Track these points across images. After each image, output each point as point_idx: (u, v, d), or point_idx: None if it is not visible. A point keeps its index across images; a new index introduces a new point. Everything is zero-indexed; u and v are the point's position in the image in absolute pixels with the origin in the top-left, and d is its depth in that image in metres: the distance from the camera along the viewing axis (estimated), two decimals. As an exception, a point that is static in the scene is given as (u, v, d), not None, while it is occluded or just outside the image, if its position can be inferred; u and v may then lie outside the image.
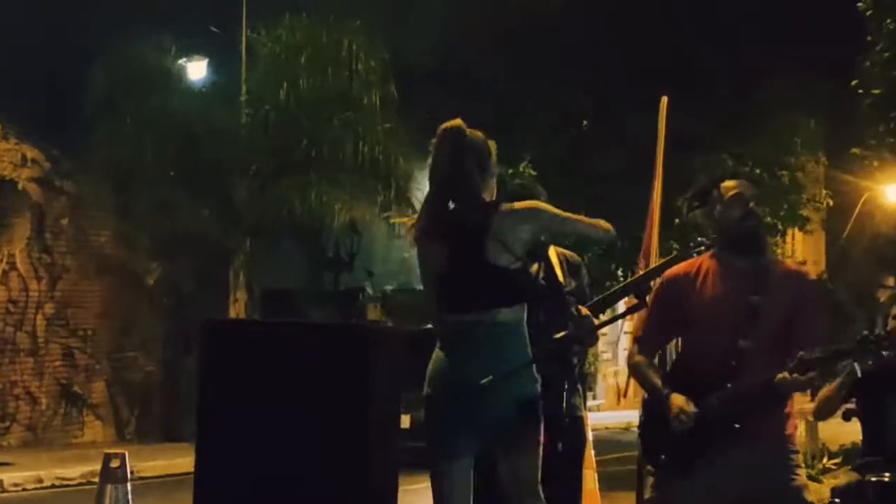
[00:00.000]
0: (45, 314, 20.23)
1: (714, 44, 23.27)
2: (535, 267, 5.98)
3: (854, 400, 8.05)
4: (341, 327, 6.30)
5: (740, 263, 5.54)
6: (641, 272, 7.74)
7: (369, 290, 26.76)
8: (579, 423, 6.59)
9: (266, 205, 20.90)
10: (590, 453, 7.41)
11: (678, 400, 5.40)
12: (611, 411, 31.00)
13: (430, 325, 5.65)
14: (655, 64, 22.14)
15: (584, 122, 24.70)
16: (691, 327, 5.58)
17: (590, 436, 7.13)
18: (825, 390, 7.76)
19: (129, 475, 9.03)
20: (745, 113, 23.78)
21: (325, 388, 5.42)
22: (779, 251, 26.80)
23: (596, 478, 8.02)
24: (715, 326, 5.46)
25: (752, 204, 5.54)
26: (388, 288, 27.04)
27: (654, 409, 5.57)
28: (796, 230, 28.40)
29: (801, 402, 6.76)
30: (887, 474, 7.57)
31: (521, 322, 5.56)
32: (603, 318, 6.84)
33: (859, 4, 18.28)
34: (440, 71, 23.33)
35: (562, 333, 5.56)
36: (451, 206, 5.61)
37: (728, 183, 5.63)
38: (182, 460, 16.05)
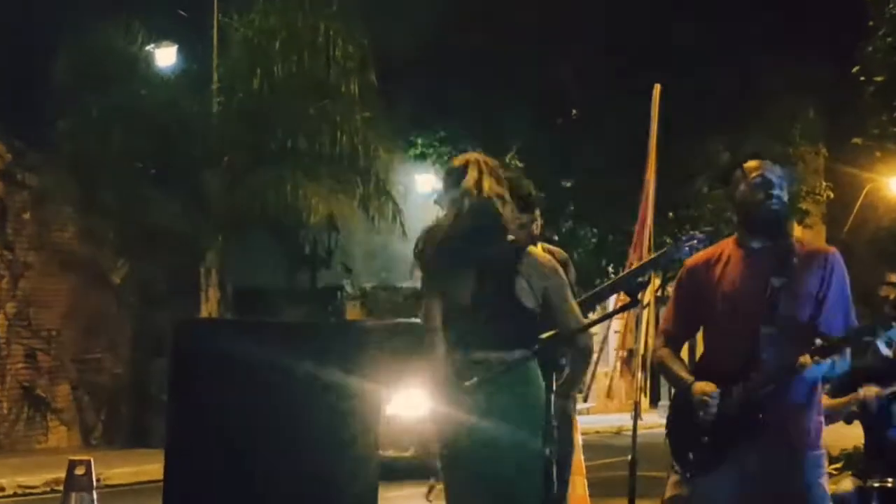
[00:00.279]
0: (7, 314, 20.17)
1: (708, 28, 23.31)
2: None
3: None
4: (318, 327, 6.30)
5: (762, 247, 5.56)
6: (633, 268, 7.75)
7: (348, 289, 26.76)
8: (568, 427, 6.59)
9: (239, 199, 20.86)
10: (579, 458, 7.42)
11: (701, 385, 5.46)
12: (601, 414, 31.01)
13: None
14: (647, 49, 22.18)
15: (574, 112, 24.73)
16: (714, 316, 5.61)
17: (579, 440, 7.13)
18: (829, 402, 7.78)
19: (94, 483, 9.02)
20: (741, 101, 23.82)
21: (302, 390, 5.41)
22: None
23: (586, 484, 8.03)
24: (736, 314, 5.50)
25: (771, 188, 5.55)
26: (368, 286, 27.04)
27: (680, 406, 5.63)
28: (795, 224, 28.46)
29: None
30: (890, 479, 7.58)
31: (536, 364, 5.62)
32: (593, 316, 6.84)
33: (862, -12, 18.33)
34: (422, 57, 23.33)
35: (549, 333, 5.56)
36: (477, 237, 5.65)
37: (751, 163, 5.64)
38: (151, 467, 16.01)
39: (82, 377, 21.21)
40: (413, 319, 18.03)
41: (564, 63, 23.37)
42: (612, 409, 33.38)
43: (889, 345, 5.27)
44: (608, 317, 5.59)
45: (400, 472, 14.22)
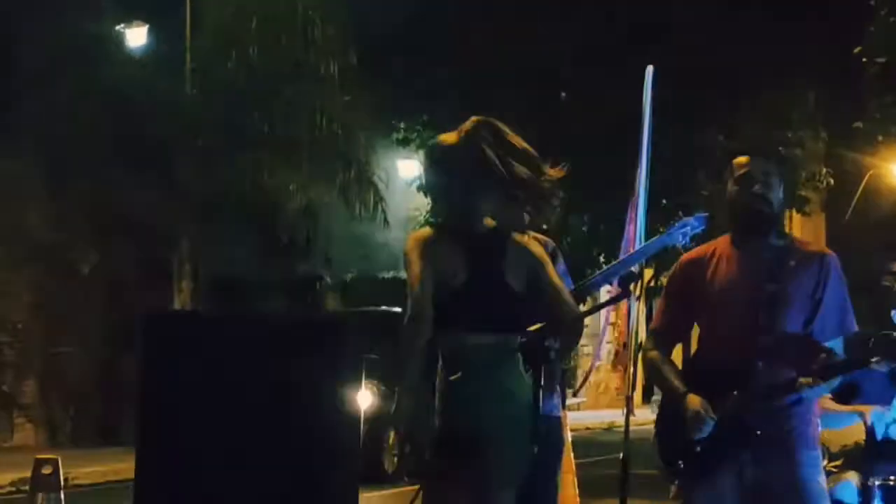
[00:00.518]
0: (-30, 306, 20.17)
1: (705, 7, 23.32)
2: None
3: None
4: (295, 318, 6.29)
5: (756, 246, 5.55)
6: (625, 256, 7.74)
7: (327, 279, 26.73)
8: (557, 424, 6.59)
9: (214, 185, 20.84)
10: (569, 456, 7.40)
11: (695, 403, 5.45)
12: (592, 410, 31.12)
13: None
14: (639, 28, 22.18)
15: (563, 94, 24.72)
16: (706, 317, 5.61)
17: (569, 437, 7.13)
18: (832, 406, 7.78)
19: (62, 482, 9.01)
20: (737, 83, 23.82)
21: (277, 385, 5.40)
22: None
23: (576, 483, 8.02)
24: (730, 317, 5.49)
25: (757, 186, 5.54)
26: (348, 276, 27.02)
27: (670, 413, 5.62)
28: (794, 212, 28.48)
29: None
30: (893, 477, 7.59)
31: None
32: (583, 308, 6.83)
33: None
34: (404, 37, 23.29)
35: (537, 325, 5.55)
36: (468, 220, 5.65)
37: (740, 159, 5.64)
38: (121, 466, 16.02)
39: (50, 373, 21.17)
40: (395, 308, 18.16)
41: (554, 43, 23.35)
42: (603, 404, 33.55)
43: None
44: (598, 308, 5.58)
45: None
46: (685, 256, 5.86)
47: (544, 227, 6.72)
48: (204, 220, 21.71)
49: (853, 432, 8.12)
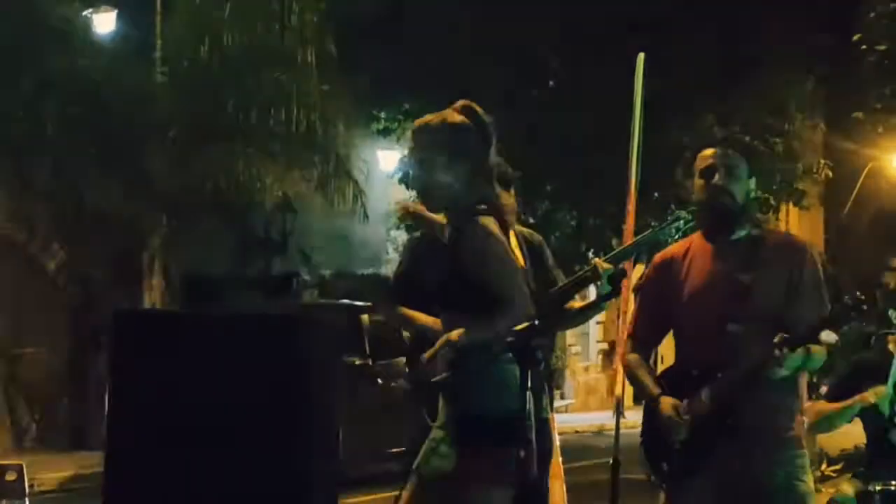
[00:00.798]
0: (-71, 305, 20.12)
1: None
2: None
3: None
4: (271, 317, 6.28)
5: (729, 240, 5.62)
6: (614, 251, 7.76)
7: (305, 276, 26.71)
8: (545, 426, 6.59)
9: (186, 178, 20.78)
10: (557, 461, 7.42)
11: (666, 406, 5.56)
12: (581, 412, 31.11)
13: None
14: (630, 14, 22.20)
15: (550, 82, 24.73)
16: (681, 316, 5.65)
17: (557, 441, 7.14)
18: (827, 406, 7.79)
19: (27, 489, 9.00)
20: (733, 70, 23.86)
21: (253, 387, 5.40)
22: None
23: (564, 488, 8.03)
24: (703, 311, 5.57)
25: (717, 177, 5.62)
26: (327, 273, 27.00)
27: (651, 415, 5.75)
28: (791, 205, 28.56)
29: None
30: (894, 482, 7.61)
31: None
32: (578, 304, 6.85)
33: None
34: (385, 24, 23.29)
35: (524, 325, 5.55)
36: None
37: (705, 152, 5.74)
38: (89, 471, 16.01)
39: (14, 373, 21.13)
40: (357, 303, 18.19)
41: (540, 29, 23.35)
42: (593, 406, 33.53)
43: None
44: (595, 305, 5.58)
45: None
46: (658, 257, 5.95)
47: (531, 220, 6.72)
48: (175, 214, 21.66)
49: (852, 436, 8.14)
